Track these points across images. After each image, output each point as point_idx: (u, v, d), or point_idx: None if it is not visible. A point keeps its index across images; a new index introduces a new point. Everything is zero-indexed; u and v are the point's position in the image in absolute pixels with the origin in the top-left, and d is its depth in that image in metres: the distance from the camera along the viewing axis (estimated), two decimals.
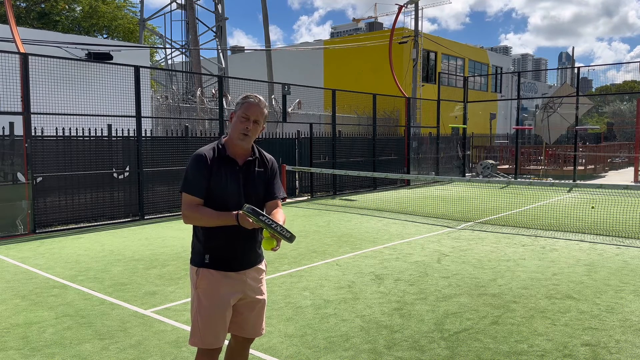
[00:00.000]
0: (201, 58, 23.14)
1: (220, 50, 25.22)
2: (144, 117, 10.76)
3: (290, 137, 14.57)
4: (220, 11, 25.26)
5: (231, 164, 2.81)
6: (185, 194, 2.77)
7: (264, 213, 2.61)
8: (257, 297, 2.91)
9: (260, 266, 2.96)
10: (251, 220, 2.58)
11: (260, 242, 2.92)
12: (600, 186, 10.33)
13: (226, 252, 2.80)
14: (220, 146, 2.84)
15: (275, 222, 2.57)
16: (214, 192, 2.75)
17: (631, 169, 23.40)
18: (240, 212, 2.62)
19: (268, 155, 3.00)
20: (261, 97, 2.86)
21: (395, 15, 21.56)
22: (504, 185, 16.93)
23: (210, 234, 2.78)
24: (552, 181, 14.21)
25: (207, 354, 2.80)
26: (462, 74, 31.47)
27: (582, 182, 16.31)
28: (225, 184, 2.76)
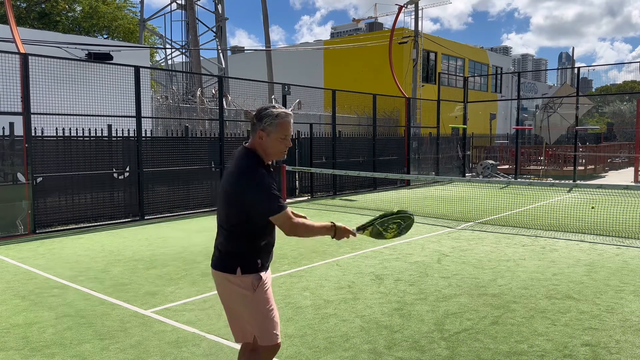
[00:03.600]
0: (201, 58, 23.15)
1: (220, 51, 25.22)
2: (144, 117, 10.77)
3: (290, 137, 14.54)
4: (220, 11, 25.27)
5: (270, 172, 2.91)
6: (284, 212, 2.70)
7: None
8: None
9: None
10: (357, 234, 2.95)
11: None
12: (600, 186, 10.33)
13: (269, 252, 2.94)
14: (259, 158, 2.82)
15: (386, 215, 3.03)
16: None
17: (631, 169, 23.39)
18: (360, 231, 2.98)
19: None
20: (288, 110, 2.92)
21: (395, 16, 21.57)
22: (504, 186, 16.93)
23: (259, 237, 2.83)
24: (552, 181, 14.22)
25: (278, 347, 2.94)
26: (462, 74, 31.48)
27: (582, 182, 16.31)
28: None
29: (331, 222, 2.86)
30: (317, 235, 2.83)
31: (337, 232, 2.83)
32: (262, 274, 2.89)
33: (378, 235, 2.99)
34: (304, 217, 2.96)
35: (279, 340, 2.92)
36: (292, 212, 2.83)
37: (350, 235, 2.88)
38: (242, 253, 2.81)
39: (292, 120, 2.89)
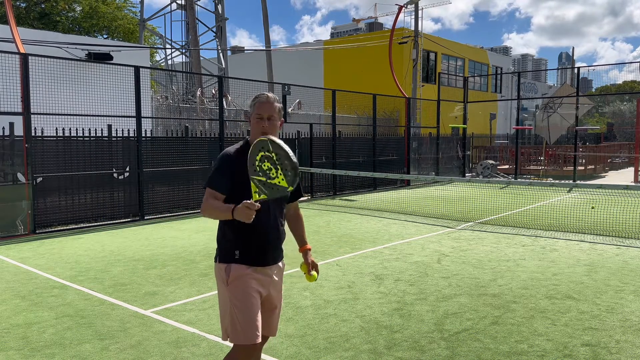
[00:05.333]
0: (201, 58, 23.15)
1: (220, 51, 25.23)
2: (144, 117, 10.76)
3: (290, 137, 14.57)
4: (220, 11, 25.27)
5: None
6: (207, 189, 2.79)
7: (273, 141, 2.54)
8: (278, 295, 2.98)
9: (280, 264, 3.01)
10: (254, 200, 2.51)
11: (283, 238, 2.99)
12: (600, 186, 10.33)
13: (255, 246, 2.81)
14: (245, 145, 2.87)
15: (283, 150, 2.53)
16: (242, 191, 2.71)
17: (631, 169, 23.39)
18: (241, 206, 2.53)
19: None
20: (270, 94, 2.90)
21: (395, 16, 21.57)
22: (504, 186, 16.92)
23: (238, 229, 2.77)
24: (552, 181, 14.22)
25: (249, 349, 2.78)
26: (462, 74, 31.48)
27: (582, 182, 16.30)
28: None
29: (233, 205, 2.64)
30: (218, 216, 2.71)
31: (235, 212, 2.57)
32: (239, 266, 2.77)
33: (274, 189, 2.52)
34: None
35: (251, 342, 2.73)
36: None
37: (255, 205, 2.52)
38: (221, 241, 2.87)
39: (271, 102, 2.84)
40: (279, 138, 2.81)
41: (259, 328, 2.78)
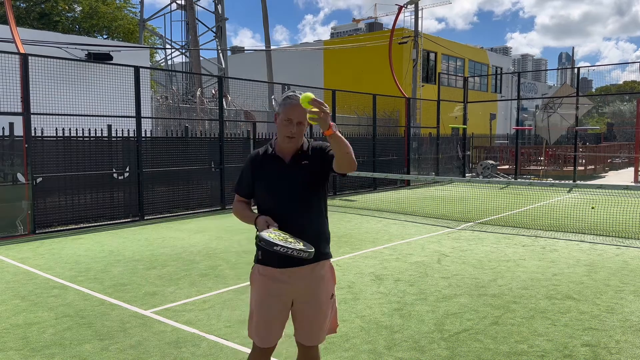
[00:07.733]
0: (201, 58, 23.15)
1: (220, 51, 25.22)
2: (144, 117, 10.77)
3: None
4: (220, 11, 25.27)
5: (278, 161, 2.78)
6: (236, 195, 2.94)
7: (278, 243, 2.45)
8: (310, 300, 2.78)
9: (318, 266, 2.80)
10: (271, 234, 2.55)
11: (317, 233, 2.78)
12: (600, 186, 10.33)
13: None
14: (270, 145, 2.86)
15: (287, 248, 2.45)
16: (262, 191, 2.79)
17: (631, 170, 23.39)
18: (260, 219, 2.69)
19: (315, 144, 2.84)
20: (300, 94, 2.66)
21: (395, 16, 21.57)
22: (504, 186, 16.92)
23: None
24: (552, 182, 14.21)
25: (257, 350, 2.81)
26: (462, 75, 31.48)
27: (582, 182, 16.30)
28: (271, 182, 2.76)
29: (257, 215, 2.74)
30: (245, 222, 2.88)
31: (256, 222, 2.70)
32: (260, 267, 2.76)
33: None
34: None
35: (260, 345, 2.77)
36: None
37: (275, 223, 2.64)
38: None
39: (301, 105, 2.57)
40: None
41: (270, 334, 2.75)
